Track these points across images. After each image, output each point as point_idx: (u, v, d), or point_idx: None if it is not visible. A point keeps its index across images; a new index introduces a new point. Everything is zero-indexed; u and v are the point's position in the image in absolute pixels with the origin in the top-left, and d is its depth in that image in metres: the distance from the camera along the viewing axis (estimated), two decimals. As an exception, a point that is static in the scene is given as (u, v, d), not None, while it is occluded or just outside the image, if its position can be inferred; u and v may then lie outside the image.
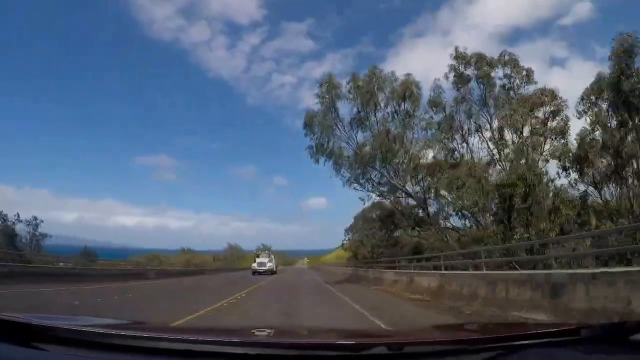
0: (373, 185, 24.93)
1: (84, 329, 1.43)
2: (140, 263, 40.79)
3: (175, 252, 72.46)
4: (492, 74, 21.39)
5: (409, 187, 24.12)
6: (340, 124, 23.46)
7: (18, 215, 27.86)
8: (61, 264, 20.89)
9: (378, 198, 27.40)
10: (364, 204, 27.98)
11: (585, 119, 18.56)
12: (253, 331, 2.07)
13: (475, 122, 21.66)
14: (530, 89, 21.15)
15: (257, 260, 42.05)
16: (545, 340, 1.29)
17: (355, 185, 24.66)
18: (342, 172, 24.25)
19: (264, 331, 2.15)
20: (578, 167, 18.53)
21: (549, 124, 19.90)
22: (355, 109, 23.30)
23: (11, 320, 1.40)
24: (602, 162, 17.98)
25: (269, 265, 41.19)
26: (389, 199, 27.56)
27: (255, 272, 38.28)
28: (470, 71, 21.86)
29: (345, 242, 58.53)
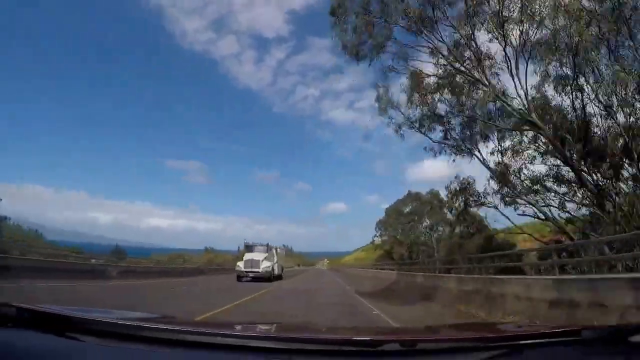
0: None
1: (115, 321, 1.52)
2: (161, 262, 39.90)
3: (200, 252, 74.08)
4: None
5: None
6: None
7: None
8: (93, 260, 21.82)
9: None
10: (434, 154, 19.70)
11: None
12: (273, 326, 2.19)
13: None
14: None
15: (247, 257, 24.49)
16: (548, 340, 1.35)
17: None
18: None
19: (277, 326, 2.26)
20: None
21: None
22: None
23: (47, 311, 1.49)
24: None
25: (266, 266, 23.87)
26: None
27: (241, 277, 22.80)
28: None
29: (376, 238, 51.16)
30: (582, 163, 15.27)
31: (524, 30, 15.01)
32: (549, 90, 16.33)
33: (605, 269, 9.89)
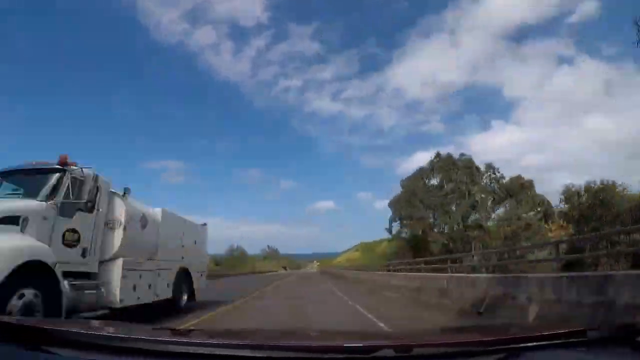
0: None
1: (93, 332, 1.46)
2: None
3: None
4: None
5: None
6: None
7: None
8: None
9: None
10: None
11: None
12: (260, 333, 2.09)
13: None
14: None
15: None
16: (552, 342, 1.30)
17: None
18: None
19: (271, 333, 2.17)
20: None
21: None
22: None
23: (21, 324, 1.44)
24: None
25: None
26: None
27: None
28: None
29: (396, 223, 35.18)
30: None
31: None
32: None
33: None
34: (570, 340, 1.31)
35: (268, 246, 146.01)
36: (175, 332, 1.95)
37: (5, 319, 1.42)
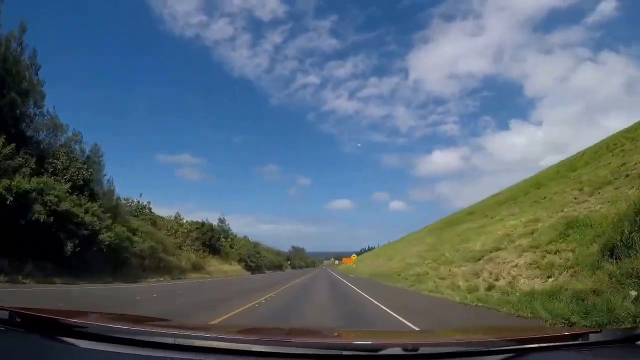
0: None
1: (107, 324, 1.52)
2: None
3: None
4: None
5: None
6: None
7: None
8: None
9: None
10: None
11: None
12: (272, 330, 2.16)
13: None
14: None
15: None
16: (555, 344, 1.31)
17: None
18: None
19: (282, 330, 2.23)
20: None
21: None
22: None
23: (38, 315, 1.50)
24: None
25: None
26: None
27: None
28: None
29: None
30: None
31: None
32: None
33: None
34: (574, 342, 1.33)
35: (292, 246, 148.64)
36: (187, 326, 2.04)
37: (22, 310, 1.49)
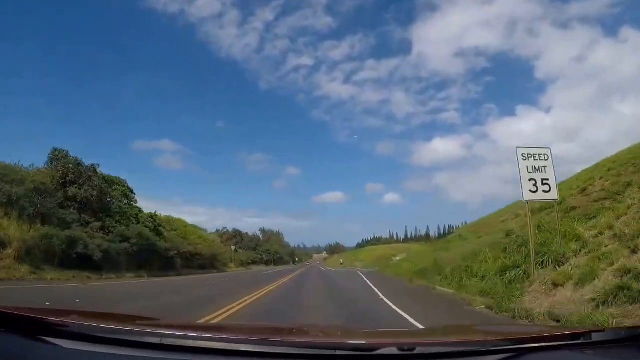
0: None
1: (90, 323, 1.47)
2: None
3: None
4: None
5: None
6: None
7: None
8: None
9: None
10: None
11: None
12: (262, 329, 2.11)
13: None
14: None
15: None
16: (556, 343, 1.29)
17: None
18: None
19: (273, 329, 2.19)
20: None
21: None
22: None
23: (19, 314, 1.45)
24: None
25: None
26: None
27: None
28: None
29: None
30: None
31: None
32: None
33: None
34: (575, 341, 1.30)
35: (261, 229, 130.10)
36: (175, 325, 1.98)
37: (2, 309, 1.42)
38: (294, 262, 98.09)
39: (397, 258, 53.97)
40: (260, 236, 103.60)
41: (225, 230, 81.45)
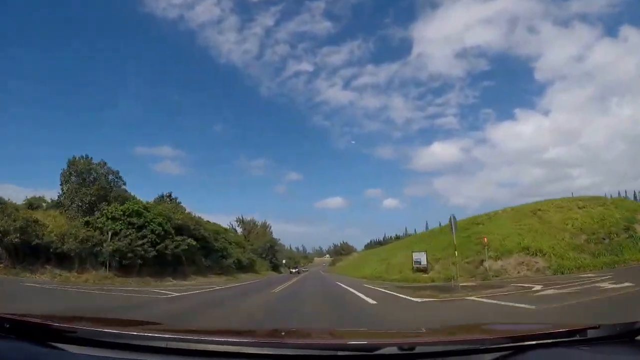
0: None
1: (97, 329, 1.49)
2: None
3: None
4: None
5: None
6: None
7: None
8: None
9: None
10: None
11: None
12: (266, 332, 2.13)
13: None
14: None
15: None
16: (553, 340, 1.31)
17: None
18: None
19: (276, 332, 2.21)
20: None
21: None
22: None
23: (27, 321, 1.48)
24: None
25: None
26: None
27: None
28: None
29: None
30: None
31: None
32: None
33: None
34: (572, 339, 1.32)
35: (296, 248, 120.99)
36: (179, 329, 2.01)
37: (11, 316, 1.45)
38: (289, 267, 68.47)
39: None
40: (238, 229, 68.42)
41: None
